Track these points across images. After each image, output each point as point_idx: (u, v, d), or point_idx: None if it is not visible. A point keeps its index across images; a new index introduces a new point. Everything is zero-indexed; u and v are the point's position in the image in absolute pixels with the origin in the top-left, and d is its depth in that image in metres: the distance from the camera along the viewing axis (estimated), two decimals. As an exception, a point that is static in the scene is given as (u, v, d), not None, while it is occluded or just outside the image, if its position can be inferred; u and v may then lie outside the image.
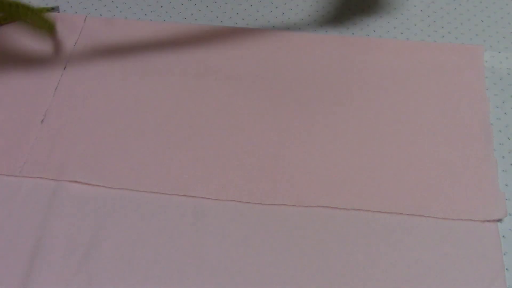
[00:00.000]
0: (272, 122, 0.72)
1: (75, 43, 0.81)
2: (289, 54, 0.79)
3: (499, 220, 0.63)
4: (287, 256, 0.61)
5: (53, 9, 0.82)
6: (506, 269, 0.60)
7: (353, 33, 0.83)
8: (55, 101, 0.74)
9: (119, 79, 0.76)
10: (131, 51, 0.80)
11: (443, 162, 0.68)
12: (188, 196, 0.66)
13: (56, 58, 0.72)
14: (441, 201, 0.65)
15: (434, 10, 0.85)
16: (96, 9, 0.86)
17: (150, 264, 0.61)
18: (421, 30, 0.82)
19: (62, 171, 0.68)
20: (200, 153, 0.69)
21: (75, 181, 0.67)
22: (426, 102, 0.73)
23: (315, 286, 0.60)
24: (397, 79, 0.76)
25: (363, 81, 0.76)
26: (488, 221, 0.63)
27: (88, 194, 0.66)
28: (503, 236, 0.63)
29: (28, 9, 0.68)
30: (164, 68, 0.77)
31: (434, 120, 0.72)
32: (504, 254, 0.61)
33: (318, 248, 0.62)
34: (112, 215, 0.65)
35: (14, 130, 0.72)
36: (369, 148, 0.69)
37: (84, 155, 0.69)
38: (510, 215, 0.64)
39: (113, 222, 0.64)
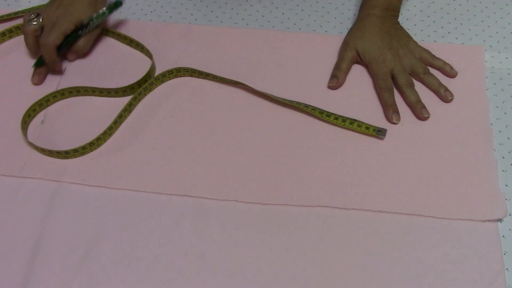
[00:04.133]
0: (272, 122, 0.72)
1: (75, 43, 0.81)
2: (289, 54, 0.79)
3: (499, 220, 0.63)
4: (287, 256, 0.61)
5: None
6: (506, 269, 0.60)
7: (353, 33, 0.83)
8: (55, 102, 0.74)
9: (119, 79, 0.76)
10: (131, 51, 0.80)
11: (443, 162, 0.68)
12: (188, 196, 0.66)
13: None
14: (441, 201, 0.65)
15: (434, 10, 0.85)
16: (96, 9, 0.86)
17: (150, 264, 0.61)
18: (421, 30, 0.82)
19: (62, 171, 0.68)
20: (200, 153, 0.69)
21: (75, 182, 0.67)
22: (425, 102, 0.73)
23: (315, 286, 0.60)
24: (397, 79, 0.76)
25: (363, 81, 0.76)
26: (488, 221, 0.63)
27: (88, 194, 0.66)
28: (503, 236, 0.63)
29: None
30: (163, 68, 0.77)
31: (434, 119, 0.72)
32: (504, 254, 0.61)
33: (318, 248, 0.62)
34: (112, 215, 0.65)
35: (14, 130, 0.72)
36: (369, 148, 0.69)
37: (84, 156, 0.69)
38: (510, 215, 0.64)
39: (113, 222, 0.64)
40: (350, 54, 0.76)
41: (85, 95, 0.75)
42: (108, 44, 0.81)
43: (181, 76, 0.77)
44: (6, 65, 0.79)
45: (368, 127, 0.70)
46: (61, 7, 0.75)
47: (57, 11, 0.75)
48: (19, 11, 0.84)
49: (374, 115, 0.72)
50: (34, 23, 0.74)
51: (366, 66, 0.76)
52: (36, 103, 0.72)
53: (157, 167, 0.68)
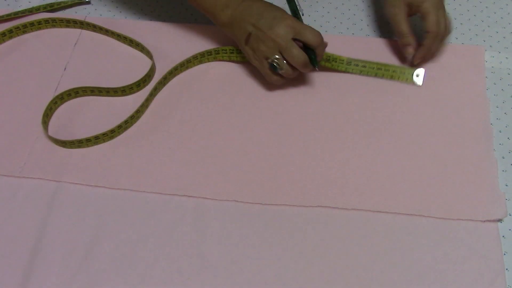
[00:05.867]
0: (272, 122, 0.72)
1: (75, 43, 0.81)
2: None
3: (499, 220, 0.63)
4: (287, 256, 0.61)
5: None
6: (506, 269, 0.60)
7: (353, 33, 0.83)
8: (55, 101, 0.75)
9: (119, 79, 0.76)
10: (131, 51, 0.80)
11: (443, 162, 0.68)
12: (188, 196, 0.66)
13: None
14: (441, 201, 0.65)
15: (434, 10, 0.85)
16: (96, 9, 0.86)
17: (150, 264, 0.61)
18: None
19: (62, 171, 0.68)
20: (200, 153, 0.69)
21: (75, 182, 0.67)
22: (426, 102, 0.73)
23: (315, 286, 0.60)
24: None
25: (363, 81, 0.76)
26: (488, 221, 0.63)
27: (88, 194, 0.66)
28: (503, 236, 0.63)
29: None
30: (163, 68, 0.77)
31: (434, 120, 0.72)
32: (504, 254, 0.61)
33: (318, 248, 0.62)
34: (112, 215, 0.65)
35: (14, 130, 0.72)
36: (369, 148, 0.69)
37: (84, 156, 0.69)
38: (510, 215, 0.64)
39: (113, 222, 0.64)
40: (402, 12, 0.73)
41: (84, 95, 0.75)
42: (108, 44, 0.81)
43: (219, 60, 0.78)
44: (6, 65, 0.79)
45: (403, 71, 0.72)
46: (266, 32, 0.69)
47: (268, 36, 0.69)
48: (19, 11, 0.84)
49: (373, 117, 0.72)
50: (281, 70, 0.70)
51: (415, 13, 0.75)
52: (44, 114, 0.71)
53: (157, 167, 0.68)
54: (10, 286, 0.60)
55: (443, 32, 0.73)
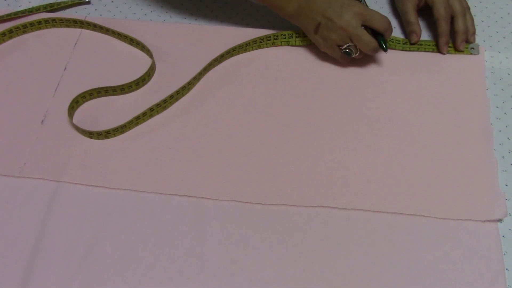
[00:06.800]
0: (272, 122, 0.72)
1: (75, 43, 0.81)
2: (290, 54, 0.79)
3: (499, 220, 0.64)
4: (287, 256, 0.61)
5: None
6: (506, 269, 0.60)
7: (353, 33, 0.83)
8: (55, 102, 0.74)
9: (119, 79, 0.76)
10: (132, 50, 0.80)
11: (443, 162, 0.68)
12: (188, 196, 0.66)
13: None
14: (441, 201, 0.65)
15: (434, 10, 0.85)
16: (96, 9, 0.86)
17: (150, 264, 0.61)
18: (421, 30, 0.82)
19: (62, 171, 0.68)
20: (200, 153, 0.69)
21: (75, 182, 0.67)
22: (426, 102, 0.73)
23: (315, 286, 0.60)
24: (397, 79, 0.76)
25: (363, 81, 0.76)
26: (488, 221, 0.63)
27: (88, 194, 0.66)
28: (503, 236, 0.63)
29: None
30: (164, 68, 0.77)
31: (434, 120, 0.72)
32: (504, 254, 0.61)
33: (318, 248, 0.62)
34: (112, 215, 0.65)
35: (14, 130, 0.72)
36: (369, 148, 0.69)
37: (84, 156, 0.69)
38: (510, 215, 0.64)
39: (113, 222, 0.64)
40: (410, 4, 0.79)
41: (84, 102, 0.74)
42: (109, 44, 0.81)
43: (278, 45, 0.79)
44: (6, 65, 0.79)
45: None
46: (335, 21, 0.71)
47: (338, 24, 0.71)
48: (19, 11, 0.84)
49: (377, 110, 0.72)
50: (354, 54, 0.74)
51: (424, 6, 0.80)
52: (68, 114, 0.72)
53: (157, 167, 0.68)
54: (10, 286, 0.60)
55: (460, 10, 0.76)
